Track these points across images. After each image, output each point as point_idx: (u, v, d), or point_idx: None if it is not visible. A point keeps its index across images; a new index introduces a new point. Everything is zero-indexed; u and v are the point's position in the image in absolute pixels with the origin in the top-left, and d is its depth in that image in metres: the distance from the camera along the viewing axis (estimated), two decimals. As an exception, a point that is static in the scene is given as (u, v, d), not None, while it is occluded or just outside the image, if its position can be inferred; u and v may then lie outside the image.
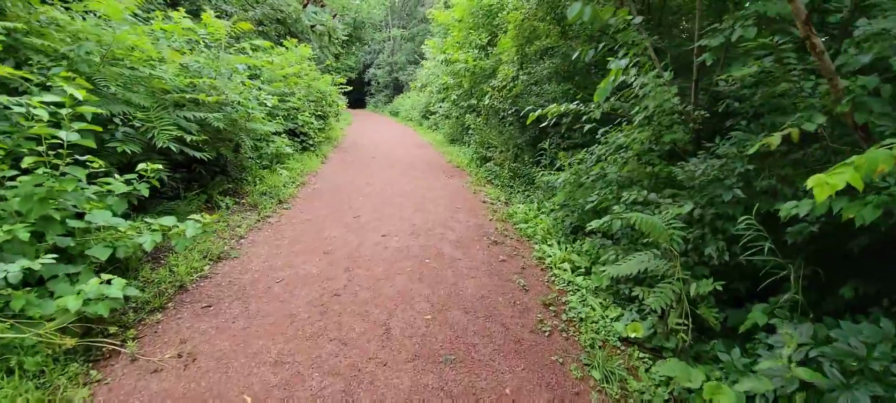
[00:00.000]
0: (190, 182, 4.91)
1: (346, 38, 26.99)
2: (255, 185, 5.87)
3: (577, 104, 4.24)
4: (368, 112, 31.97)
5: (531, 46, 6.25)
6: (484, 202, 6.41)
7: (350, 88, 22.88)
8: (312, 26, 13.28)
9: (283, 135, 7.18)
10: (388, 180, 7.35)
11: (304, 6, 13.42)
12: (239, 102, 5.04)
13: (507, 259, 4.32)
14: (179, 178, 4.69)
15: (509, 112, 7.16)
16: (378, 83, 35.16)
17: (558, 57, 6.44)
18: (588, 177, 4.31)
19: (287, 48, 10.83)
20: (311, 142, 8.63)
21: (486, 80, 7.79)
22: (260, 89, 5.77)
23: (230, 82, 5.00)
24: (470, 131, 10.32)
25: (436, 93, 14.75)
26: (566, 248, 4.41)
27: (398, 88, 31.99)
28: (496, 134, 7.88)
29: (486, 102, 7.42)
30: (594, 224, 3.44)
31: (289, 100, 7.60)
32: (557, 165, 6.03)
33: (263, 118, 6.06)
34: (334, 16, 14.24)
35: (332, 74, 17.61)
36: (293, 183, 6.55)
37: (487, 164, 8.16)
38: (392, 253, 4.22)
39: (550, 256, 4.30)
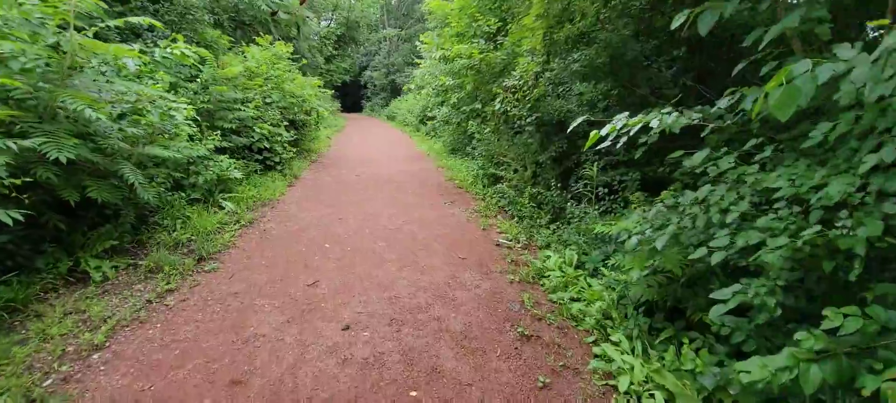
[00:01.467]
0: (40, 241, 3.09)
1: (338, 37, 25.22)
2: (171, 232, 4.06)
3: (678, 114, 2.42)
4: (364, 116, 30.16)
5: (561, 30, 4.43)
6: (498, 246, 4.59)
7: (332, 91, 21.07)
8: (273, 13, 11.29)
9: (226, 156, 5.35)
10: (368, 214, 5.52)
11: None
12: (121, 115, 3.22)
13: (552, 377, 2.49)
14: (16, 238, 2.88)
15: (528, 119, 5.33)
16: (374, 86, 33.36)
17: (597, 45, 4.62)
18: (694, 231, 2.48)
19: (260, 46, 9.08)
20: (277, 158, 6.82)
21: (496, 79, 5.97)
22: (169, 98, 3.93)
23: (107, 84, 3.19)
24: (474, 141, 8.51)
25: (432, 96, 12.94)
26: (650, 357, 2.58)
27: (395, 91, 30.19)
28: (509, 146, 6.07)
29: (497, 107, 5.60)
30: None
31: (237, 110, 5.78)
32: (597, 201, 4.24)
33: (183, 134, 4.25)
34: (302, 2, 12.21)
35: (313, 77, 15.86)
36: (235, 223, 4.73)
37: (498, 185, 6.34)
38: (353, 379, 2.40)
39: (625, 371, 2.48)
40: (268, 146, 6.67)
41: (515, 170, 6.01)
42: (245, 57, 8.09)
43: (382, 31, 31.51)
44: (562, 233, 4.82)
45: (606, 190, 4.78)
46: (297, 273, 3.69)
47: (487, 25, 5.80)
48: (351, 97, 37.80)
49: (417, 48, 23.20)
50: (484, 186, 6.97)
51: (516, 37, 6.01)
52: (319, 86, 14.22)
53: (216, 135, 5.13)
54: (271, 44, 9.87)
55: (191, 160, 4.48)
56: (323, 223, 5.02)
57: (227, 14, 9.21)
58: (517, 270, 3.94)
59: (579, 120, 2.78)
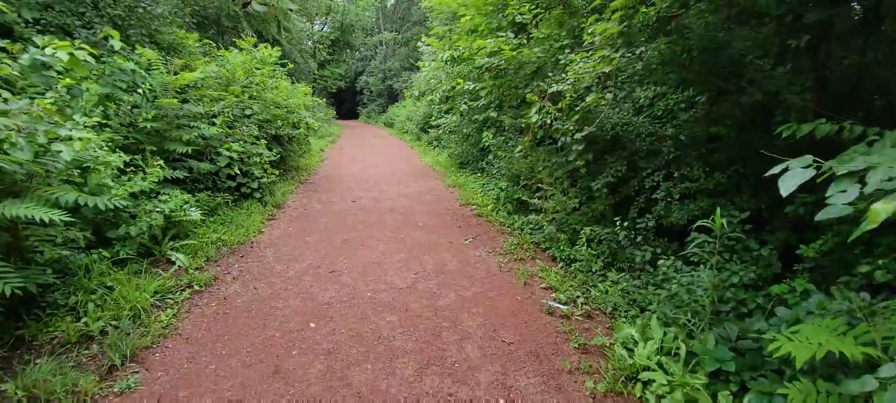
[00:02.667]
0: None
1: (332, 41, 23.89)
2: (79, 317, 2.71)
3: None
4: (360, 123, 28.83)
5: (635, 17, 3.13)
6: (552, 314, 3.27)
7: (325, 99, 19.64)
8: (245, 4, 9.77)
9: (178, 191, 3.99)
10: (369, 263, 4.18)
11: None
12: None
13: None
14: None
15: (576, 135, 4.02)
16: (371, 92, 32.09)
17: (681, 34, 3.32)
18: None
19: (241, 49, 7.75)
20: (254, 184, 5.47)
21: (528, 83, 4.66)
22: (56, 121, 2.59)
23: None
24: (491, 156, 7.21)
25: (437, 103, 11.65)
26: None
27: (393, 97, 28.92)
28: (545, 167, 4.76)
29: (533, 119, 4.29)
30: None
31: (197, 128, 4.40)
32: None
33: (105, 168, 2.92)
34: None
35: (305, 84, 14.51)
36: (185, 287, 3.38)
37: (531, 216, 5.02)
38: None
39: None
40: (242, 170, 5.32)
41: (551, 196, 4.69)
42: (222, 61, 6.77)
43: (378, 35, 30.23)
44: (627, 287, 3.53)
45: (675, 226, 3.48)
46: (263, 385, 2.36)
47: (521, 15, 4.50)
48: (346, 104, 36.52)
49: (418, 51, 21.95)
50: (508, 213, 5.66)
51: (549, 30, 4.72)
52: (309, 94, 12.90)
53: (158, 164, 3.76)
54: (254, 46, 8.58)
55: (120, 207, 3.12)
56: (307, 281, 3.67)
57: (186, 6, 7.80)
58: (595, 368, 2.62)
59: (798, 166, 1.47)
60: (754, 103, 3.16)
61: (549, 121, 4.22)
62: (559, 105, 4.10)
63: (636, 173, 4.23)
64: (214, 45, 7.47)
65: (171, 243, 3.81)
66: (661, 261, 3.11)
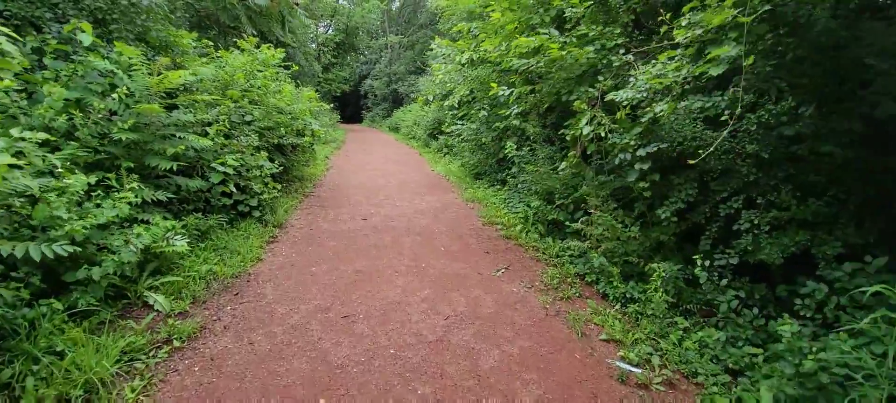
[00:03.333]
0: None
1: (337, 44, 23.31)
2: (17, 399, 2.02)
3: None
4: (365, 128, 28.18)
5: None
6: (629, 387, 2.56)
7: (331, 103, 18.98)
8: None
9: (159, 216, 3.31)
10: (388, 304, 3.48)
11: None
12: None
13: None
14: None
15: (638, 151, 3.32)
16: (375, 96, 31.45)
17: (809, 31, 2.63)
18: None
19: (242, 50, 7.11)
20: (253, 201, 4.78)
21: (575, 87, 3.96)
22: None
23: None
24: (513, 168, 6.51)
25: (448, 110, 10.97)
26: None
27: (397, 101, 28.28)
28: (593, 188, 4.05)
29: (583, 131, 3.59)
30: None
31: (184, 140, 3.70)
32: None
33: (62, 195, 2.24)
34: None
35: (309, 87, 13.85)
36: (163, 344, 2.68)
37: (570, 242, 4.32)
38: None
39: None
40: (240, 185, 4.64)
41: (599, 220, 3.98)
42: (221, 63, 6.11)
43: (383, 39, 29.63)
44: (707, 340, 2.83)
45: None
46: None
47: (572, 5, 3.78)
48: (350, 107, 35.94)
49: (425, 54, 21.29)
50: (540, 236, 4.97)
51: (597, 26, 4.02)
52: (315, 98, 12.24)
53: (132, 187, 3.08)
54: (256, 47, 7.93)
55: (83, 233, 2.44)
56: (315, 332, 2.97)
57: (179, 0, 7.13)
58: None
59: None
60: (889, 117, 2.46)
61: (603, 134, 3.52)
62: (617, 115, 3.41)
63: (707, 197, 3.53)
64: (213, 45, 6.81)
65: (149, 280, 3.12)
66: (781, 325, 2.38)
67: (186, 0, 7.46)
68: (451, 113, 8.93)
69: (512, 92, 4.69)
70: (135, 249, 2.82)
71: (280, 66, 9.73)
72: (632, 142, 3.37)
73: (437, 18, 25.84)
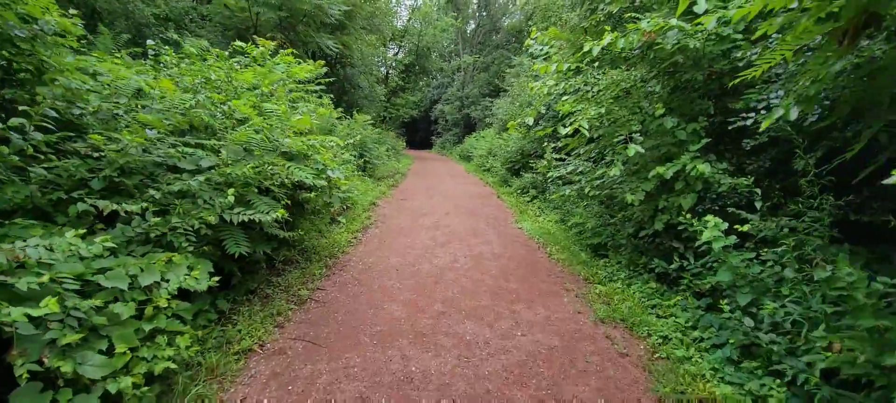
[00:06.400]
0: None
1: (406, 66, 21.27)
2: None
3: None
4: (434, 155, 25.76)
5: None
6: None
7: (391, 130, 16.38)
8: None
9: None
10: None
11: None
12: None
13: None
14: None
15: None
16: (446, 121, 29.14)
17: None
18: None
19: (246, 55, 4.70)
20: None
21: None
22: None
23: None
24: (690, 258, 3.00)
25: (546, 140, 7.63)
26: None
27: (469, 126, 25.56)
28: None
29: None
30: None
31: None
32: None
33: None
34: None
35: (367, 112, 11.44)
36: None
37: None
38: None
39: None
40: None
41: None
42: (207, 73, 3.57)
43: (457, 61, 27.31)
44: None
45: None
46: None
47: None
48: (420, 132, 34.08)
49: (504, 71, 18.26)
50: None
51: None
52: (366, 125, 9.65)
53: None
54: (275, 52, 5.47)
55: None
56: None
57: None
58: None
59: None
60: None
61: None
62: None
63: None
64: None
65: None
66: None
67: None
68: (551, 145, 5.61)
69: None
70: None
71: (319, 83, 7.22)
72: None
73: (523, 30, 22.63)
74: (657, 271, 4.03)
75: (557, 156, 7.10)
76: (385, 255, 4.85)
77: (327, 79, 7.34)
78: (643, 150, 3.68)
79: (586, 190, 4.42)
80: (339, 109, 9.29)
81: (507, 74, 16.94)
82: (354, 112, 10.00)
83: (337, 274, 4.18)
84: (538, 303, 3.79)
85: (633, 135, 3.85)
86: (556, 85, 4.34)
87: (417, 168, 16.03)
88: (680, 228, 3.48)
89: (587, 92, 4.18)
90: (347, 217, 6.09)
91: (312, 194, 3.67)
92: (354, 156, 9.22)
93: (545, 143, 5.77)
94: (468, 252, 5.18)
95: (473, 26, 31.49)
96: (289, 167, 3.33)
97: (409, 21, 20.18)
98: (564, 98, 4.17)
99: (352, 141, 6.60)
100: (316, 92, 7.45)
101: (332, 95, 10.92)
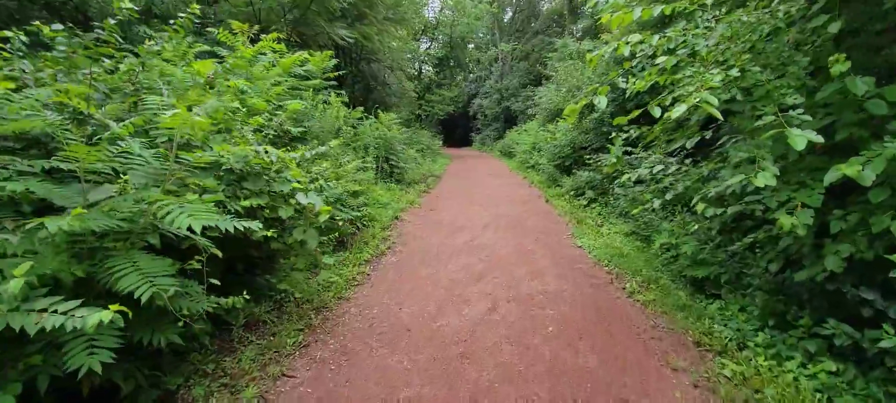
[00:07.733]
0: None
1: (440, 59, 19.92)
2: None
3: None
4: (473, 152, 24.26)
5: None
6: None
7: (425, 129, 15.08)
8: None
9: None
10: None
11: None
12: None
13: None
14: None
15: None
16: (485, 115, 27.50)
17: None
18: None
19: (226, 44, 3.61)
20: None
21: None
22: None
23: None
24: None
25: (616, 129, 6.00)
26: None
27: (510, 119, 23.76)
28: None
29: None
30: None
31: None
32: None
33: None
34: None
35: (396, 111, 10.25)
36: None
37: None
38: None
39: None
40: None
41: None
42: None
43: (493, 51, 25.58)
44: None
45: None
46: None
47: None
48: (459, 130, 32.64)
49: (545, 57, 16.48)
50: None
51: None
52: (391, 124, 8.43)
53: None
54: (253, 39, 4.38)
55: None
56: None
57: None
58: None
59: None
60: None
61: None
62: None
63: None
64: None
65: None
66: None
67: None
68: (622, 135, 4.02)
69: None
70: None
71: (325, 79, 6.07)
72: None
73: (562, 16, 20.62)
74: (835, 339, 2.38)
75: (629, 150, 5.43)
76: (396, 303, 3.50)
77: (335, 73, 6.16)
78: (820, 138, 2.04)
79: (696, 205, 2.80)
80: (360, 109, 8.14)
81: (549, 59, 15.09)
82: (378, 111, 8.80)
83: (319, 342, 2.87)
84: (633, 402, 2.27)
85: (791, 111, 2.21)
86: (641, 44, 2.76)
87: (455, 168, 14.64)
88: (877, 268, 1.85)
89: (695, 47, 2.58)
90: (357, 241, 4.84)
91: (270, 232, 2.40)
92: (377, 160, 8.02)
93: (613, 134, 4.15)
94: (514, 291, 3.72)
95: (510, 14, 29.55)
96: (179, 211, 1.91)
97: (440, 11, 18.80)
98: (660, 60, 2.60)
99: (355, 144, 5.35)
100: (325, 88, 6.31)
101: (352, 93, 9.78)
